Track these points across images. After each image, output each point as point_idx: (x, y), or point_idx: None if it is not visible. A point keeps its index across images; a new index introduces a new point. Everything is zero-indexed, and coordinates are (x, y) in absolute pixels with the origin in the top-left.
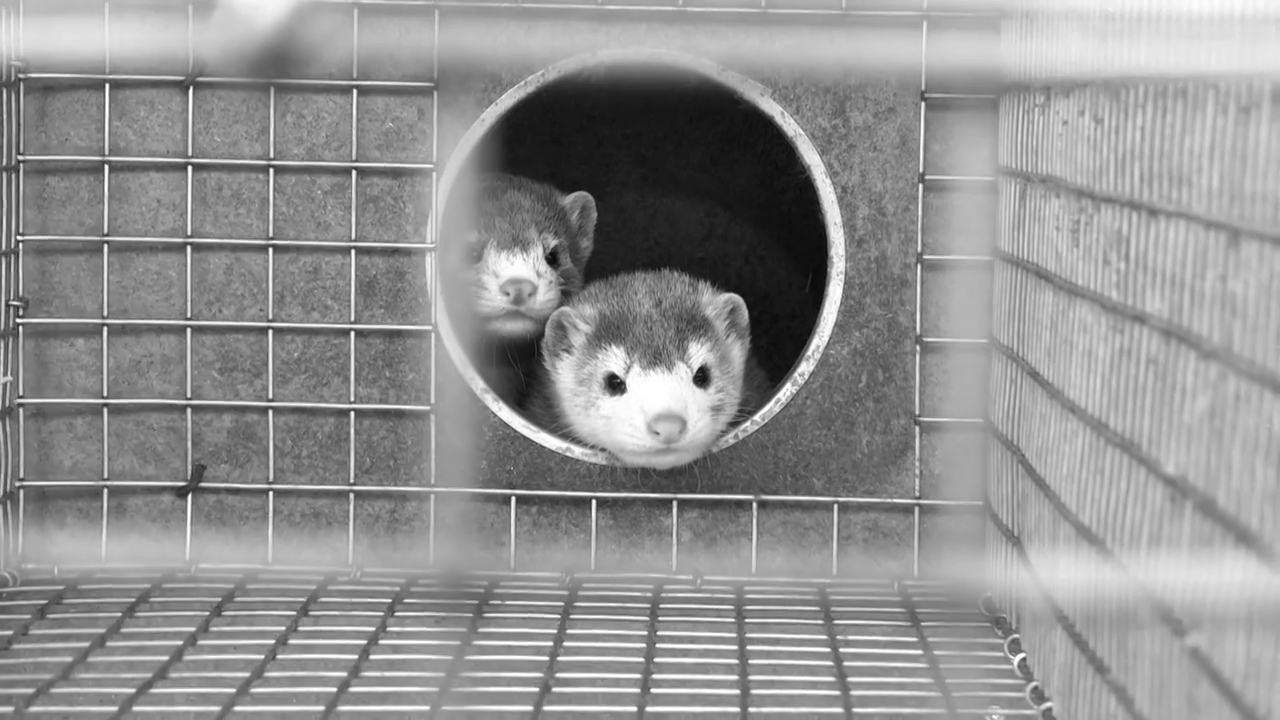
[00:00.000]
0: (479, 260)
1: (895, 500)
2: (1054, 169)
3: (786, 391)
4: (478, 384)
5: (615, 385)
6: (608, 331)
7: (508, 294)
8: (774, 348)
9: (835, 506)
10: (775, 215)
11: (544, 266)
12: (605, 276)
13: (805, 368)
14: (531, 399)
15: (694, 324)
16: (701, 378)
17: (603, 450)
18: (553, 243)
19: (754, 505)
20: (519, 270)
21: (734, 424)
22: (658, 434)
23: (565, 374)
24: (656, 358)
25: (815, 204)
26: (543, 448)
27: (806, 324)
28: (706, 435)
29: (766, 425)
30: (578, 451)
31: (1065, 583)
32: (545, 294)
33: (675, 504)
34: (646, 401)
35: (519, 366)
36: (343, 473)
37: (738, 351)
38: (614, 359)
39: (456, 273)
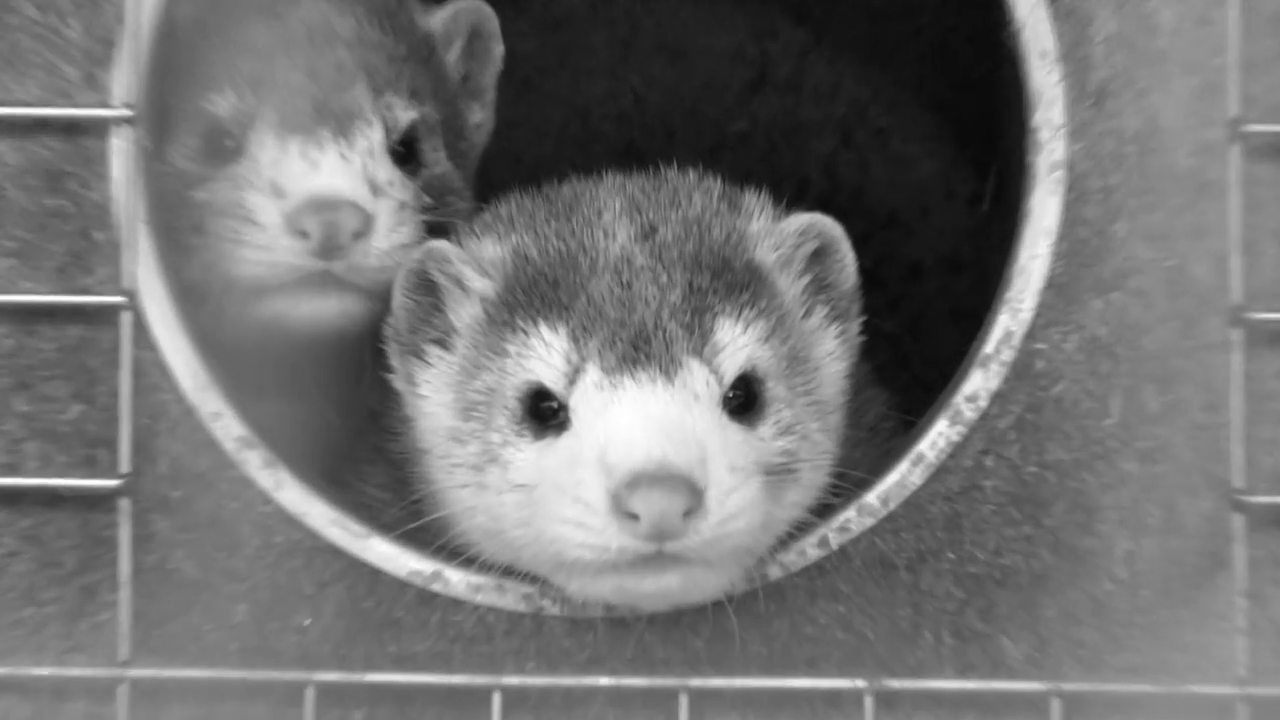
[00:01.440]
0: (239, 158)
1: (1195, 688)
2: None
3: (938, 438)
4: (232, 430)
5: (545, 414)
6: (532, 295)
7: (305, 234)
8: (913, 337)
9: (1057, 702)
10: (906, 41)
11: (387, 170)
12: (528, 183)
13: (980, 383)
14: (361, 464)
15: (727, 279)
16: (744, 399)
17: (511, 578)
18: (406, 116)
19: (868, 700)
20: (329, 181)
21: (820, 510)
22: (635, 518)
23: (436, 394)
24: (640, 350)
25: (994, 10)
26: (380, 572)
27: (982, 288)
28: (747, 527)
29: (895, 515)
30: (459, 581)
31: None
32: (391, 231)
33: (685, 699)
34: (613, 444)
35: (332, 392)
36: None
37: (831, 345)
38: (544, 354)
39: (186, 184)
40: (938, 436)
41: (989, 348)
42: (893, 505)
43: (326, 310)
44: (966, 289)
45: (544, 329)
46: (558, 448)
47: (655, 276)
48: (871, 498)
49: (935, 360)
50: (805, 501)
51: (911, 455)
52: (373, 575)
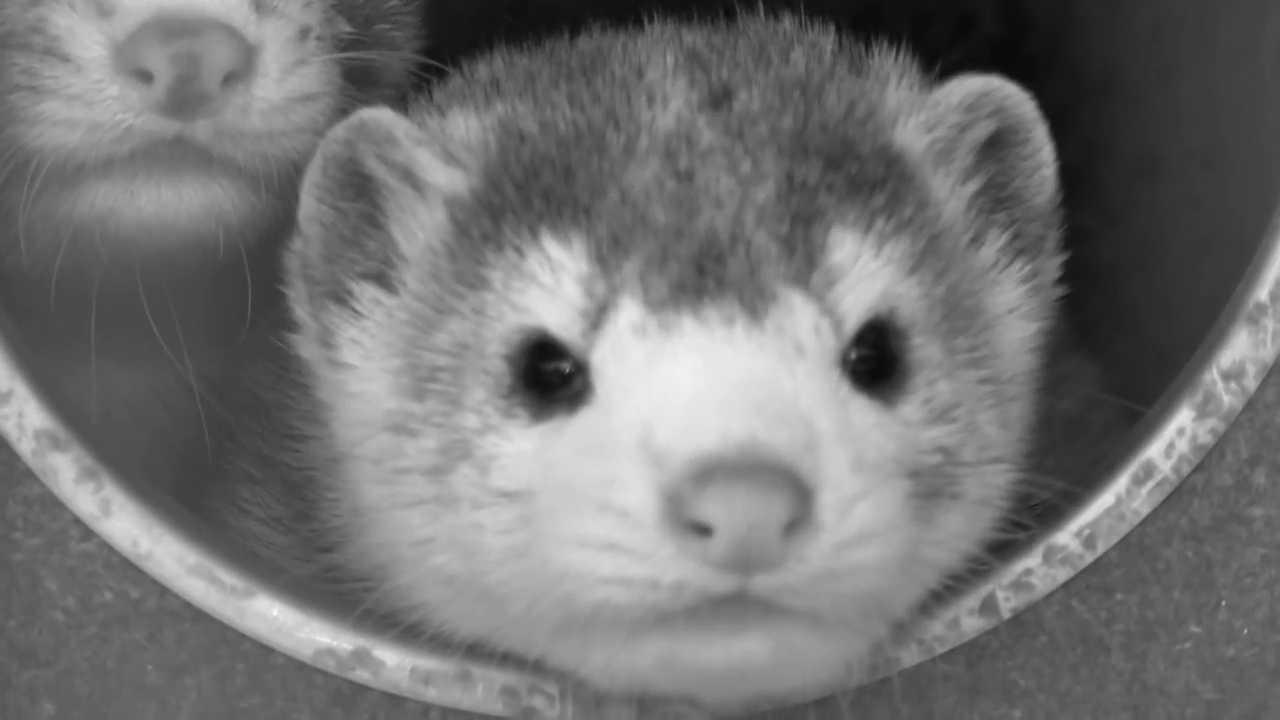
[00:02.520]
0: None
1: None
2: None
3: (1179, 438)
4: (29, 419)
5: (551, 380)
6: (529, 190)
7: (146, 76)
8: (1142, 274)
9: None
10: None
11: None
12: (518, 24)
13: (1247, 349)
14: (238, 484)
15: (849, 170)
16: (874, 361)
17: (481, 659)
18: None
19: None
20: None
21: (1000, 546)
22: (705, 533)
23: (370, 360)
24: (708, 274)
25: None
26: (271, 651)
27: (1252, 194)
28: (882, 558)
29: (1106, 562)
30: (397, 665)
31: None
32: (285, 73)
33: None
34: (666, 418)
35: (193, 353)
36: None
37: (1012, 295)
38: (549, 281)
39: None
40: (1178, 436)
41: (1262, 293)
42: (1103, 547)
43: (181, 205)
44: (1225, 194)
45: (549, 242)
46: (572, 430)
47: (732, 162)
48: (1068, 535)
49: (1176, 311)
50: (970, 533)
51: (1135, 467)
52: (259, 656)
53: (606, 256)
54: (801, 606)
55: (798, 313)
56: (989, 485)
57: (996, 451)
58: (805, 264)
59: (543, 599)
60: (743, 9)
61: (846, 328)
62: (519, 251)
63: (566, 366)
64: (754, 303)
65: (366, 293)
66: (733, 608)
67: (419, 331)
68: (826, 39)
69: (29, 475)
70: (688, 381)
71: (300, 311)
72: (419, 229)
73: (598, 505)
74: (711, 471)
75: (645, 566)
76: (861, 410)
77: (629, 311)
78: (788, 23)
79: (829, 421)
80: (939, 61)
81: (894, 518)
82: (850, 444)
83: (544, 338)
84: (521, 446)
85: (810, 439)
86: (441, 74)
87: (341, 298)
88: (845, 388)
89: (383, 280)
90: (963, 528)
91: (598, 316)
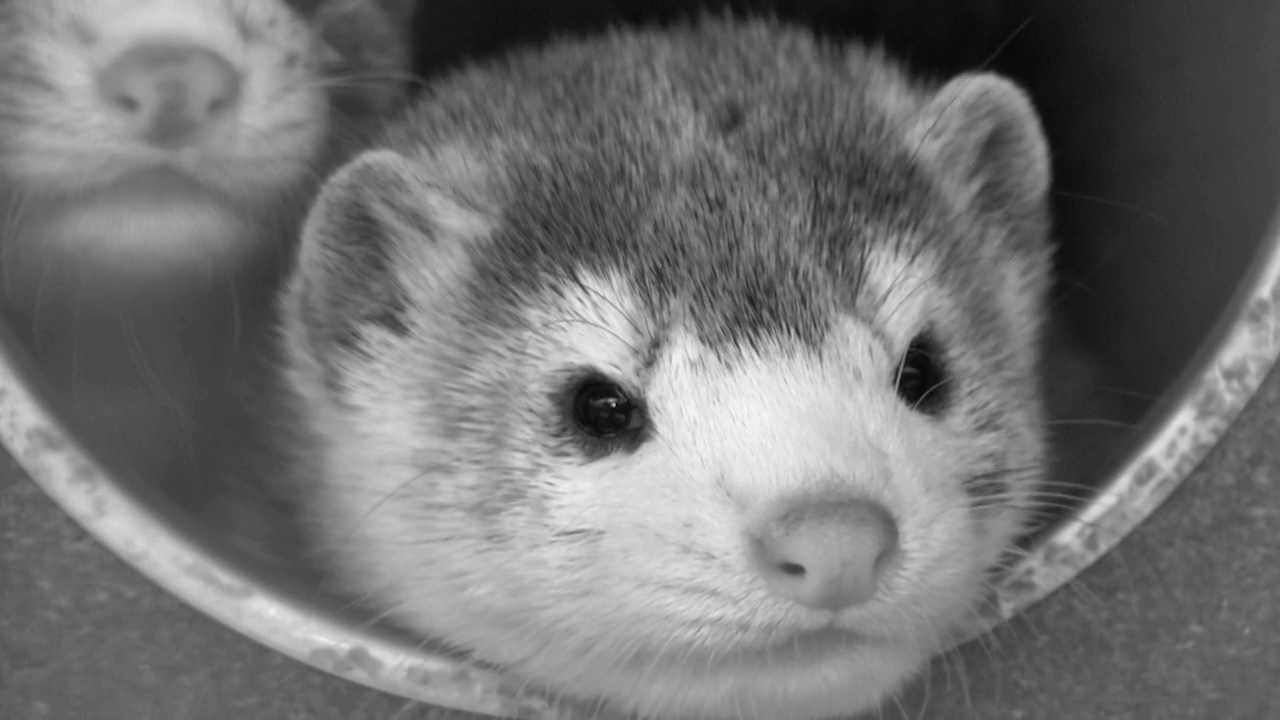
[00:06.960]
0: None
1: None
2: None
3: (1180, 438)
4: (23, 418)
5: (601, 419)
6: (559, 227)
7: (132, 104)
8: (1142, 270)
9: None
10: None
11: (266, 2)
12: (500, 40)
13: (1249, 347)
14: (228, 499)
15: (873, 186)
16: (919, 377)
17: (471, 659)
18: None
19: None
20: (169, 18)
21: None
22: (797, 573)
23: (383, 403)
24: (760, 304)
25: None
26: (267, 651)
27: (1255, 188)
28: (956, 578)
29: (1108, 562)
30: (395, 665)
31: None
32: (272, 100)
33: None
34: (743, 457)
35: (179, 377)
36: None
37: (1013, 290)
38: (594, 317)
39: None
40: (1179, 436)
41: (1264, 290)
42: (1105, 548)
43: (168, 234)
44: (1227, 190)
45: (588, 278)
46: (637, 469)
47: (760, 186)
48: (1068, 535)
49: (1178, 309)
50: (1012, 533)
51: (1136, 466)
52: (255, 656)
53: (650, 291)
54: (888, 634)
55: (852, 338)
56: (1030, 487)
57: (1032, 453)
58: (849, 287)
59: (608, 637)
60: (707, 9)
61: (896, 347)
62: (556, 290)
63: (615, 402)
64: (809, 331)
65: (375, 335)
66: (816, 639)
67: (444, 373)
68: (800, 40)
69: (21, 474)
70: (757, 417)
71: (300, 353)
72: (431, 272)
73: (679, 547)
74: (799, 511)
75: (736, 609)
76: (919, 428)
77: (684, 347)
78: (763, 27)
79: (896, 445)
80: (940, 55)
81: (964, 534)
82: (918, 464)
83: (593, 375)
84: (579, 485)
85: (885, 466)
86: (414, 91)
87: (348, 340)
88: (902, 407)
89: (389, 322)
90: (1008, 529)
91: (650, 353)
